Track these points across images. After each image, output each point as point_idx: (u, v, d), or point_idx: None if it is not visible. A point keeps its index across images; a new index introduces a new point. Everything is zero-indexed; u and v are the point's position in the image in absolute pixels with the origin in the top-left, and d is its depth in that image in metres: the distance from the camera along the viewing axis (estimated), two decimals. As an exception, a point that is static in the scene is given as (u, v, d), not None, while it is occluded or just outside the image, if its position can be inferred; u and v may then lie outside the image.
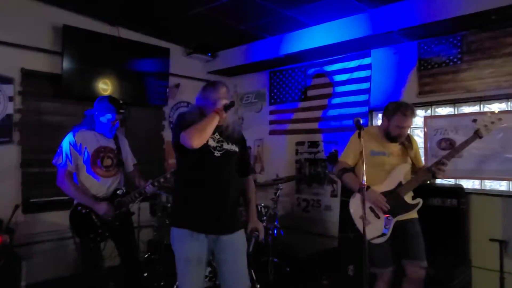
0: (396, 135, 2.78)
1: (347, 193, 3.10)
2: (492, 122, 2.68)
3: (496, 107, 3.71)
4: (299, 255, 4.72)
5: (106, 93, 4.36)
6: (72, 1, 4.13)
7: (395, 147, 2.85)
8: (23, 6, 4.02)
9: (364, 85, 4.49)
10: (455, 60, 3.83)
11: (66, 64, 4.13)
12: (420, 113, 4.17)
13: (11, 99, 3.92)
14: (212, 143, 2.30)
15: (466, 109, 3.90)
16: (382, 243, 2.71)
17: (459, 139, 3.79)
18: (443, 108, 4.05)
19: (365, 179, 2.23)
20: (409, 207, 2.75)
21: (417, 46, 4.09)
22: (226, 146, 2.34)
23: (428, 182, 3.41)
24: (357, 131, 2.28)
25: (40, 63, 4.15)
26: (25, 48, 4.03)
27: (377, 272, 2.75)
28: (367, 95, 4.45)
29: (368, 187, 2.67)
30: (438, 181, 3.79)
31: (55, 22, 4.19)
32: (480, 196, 3.68)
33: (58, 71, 4.15)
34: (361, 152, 2.27)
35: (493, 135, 3.54)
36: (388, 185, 2.77)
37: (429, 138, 3.89)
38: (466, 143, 2.74)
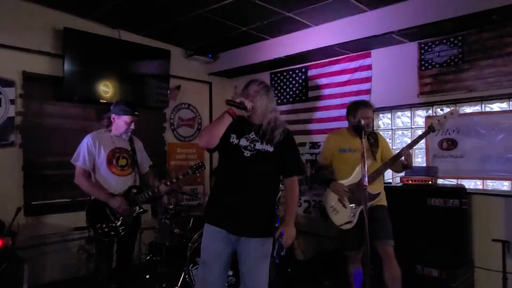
0: (366, 125, 3.08)
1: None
2: (445, 117, 2.97)
3: (497, 106, 3.71)
4: (301, 256, 4.72)
5: (107, 96, 4.41)
6: (73, 4, 4.13)
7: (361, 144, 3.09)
8: (24, 9, 4.03)
9: (365, 86, 4.49)
10: (456, 60, 3.83)
11: (67, 66, 4.14)
12: (421, 113, 4.16)
13: (12, 102, 3.93)
14: (244, 142, 2.29)
15: (468, 109, 3.89)
16: (351, 229, 3.05)
17: (460, 139, 3.79)
18: (444, 108, 4.04)
19: (367, 180, 2.39)
20: (371, 197, 3.07)
21: (417, 46, 4.09)
22: (259, 146, 2.29)
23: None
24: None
25: (41, 66, 4.16)
26: (26, 51, 4.04)
27: (349, 255, 3.19)
28: (368, 96, 4.44)
29: (331, 181, 3.17)
30: (440, 181, 3.79)
31: (56, 25, 4.21)
32: (482, 196, 3.67)
33: (59, 74, 4.16)
34: (362, 154, 2.40)
35: (494, 135, 3.56)
36: (353, 178, 3.12)
37: (431, 138, 3.87)
38: (421, 137, 3.11)
